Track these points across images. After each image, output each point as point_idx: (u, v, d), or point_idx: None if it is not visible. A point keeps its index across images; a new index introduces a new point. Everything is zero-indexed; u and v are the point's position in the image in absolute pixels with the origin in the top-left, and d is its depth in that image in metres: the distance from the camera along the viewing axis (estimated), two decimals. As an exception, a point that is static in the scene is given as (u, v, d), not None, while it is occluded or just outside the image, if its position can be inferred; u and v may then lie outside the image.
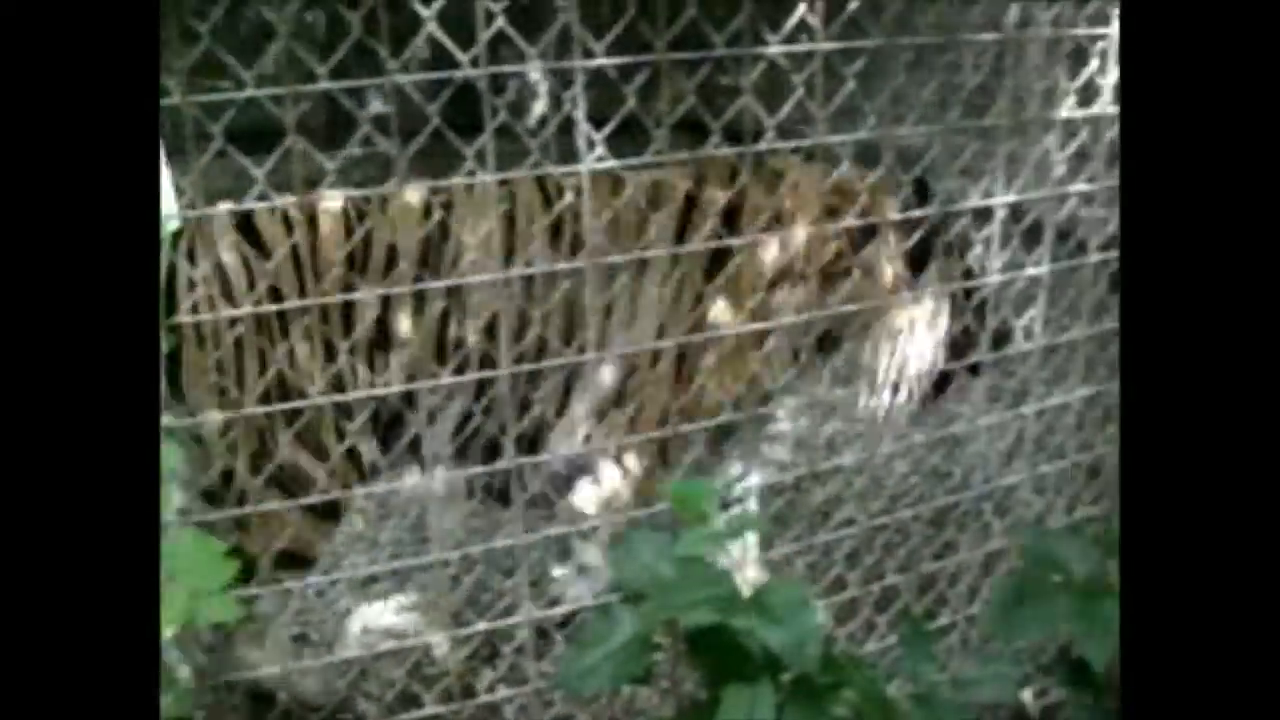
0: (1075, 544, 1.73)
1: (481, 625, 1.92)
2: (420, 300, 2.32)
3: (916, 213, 2.21)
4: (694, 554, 1.67)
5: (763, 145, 1.80)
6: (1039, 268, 2.08)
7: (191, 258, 2.21)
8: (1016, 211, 2.14)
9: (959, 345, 2.43)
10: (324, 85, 1.55)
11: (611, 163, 1.69)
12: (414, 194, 2.34)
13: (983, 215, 2.06)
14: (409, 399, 2.36)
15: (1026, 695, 2.41)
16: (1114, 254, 2.18)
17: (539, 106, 7.43)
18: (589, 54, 1.62)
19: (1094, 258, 2.16)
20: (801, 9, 1.76)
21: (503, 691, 2.19)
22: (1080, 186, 2.13)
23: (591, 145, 1.66)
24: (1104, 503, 2.38)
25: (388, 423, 2.40)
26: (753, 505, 2.58)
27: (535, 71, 6.99)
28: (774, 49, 1.76)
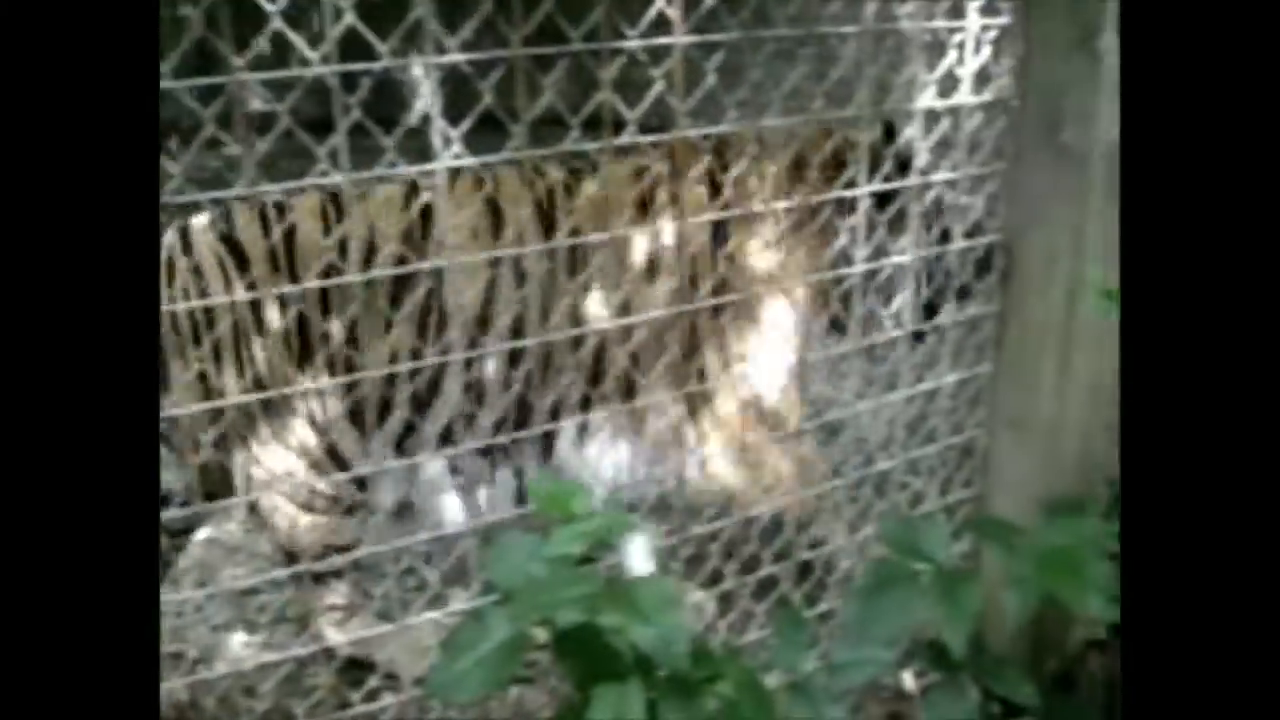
0: (937, 529, 1.76)
1: (354, 635, 1.88)
2: (283, 304, 2.27)
3: (783, 203, 2.23)
4: (564, 553, 1.66)
5: (625, 139, 1.78)
6: (905, 255, 2.11)
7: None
8: (883, 200, 2.17)
9: (829, 333, 2.46)
10: (166, 84, 1.49)
11: (469, 160, 1.67)
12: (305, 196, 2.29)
13: (848, 204, 2.08)
14: (267, 405, 2.32)
15: (907, 676, 2.45)
16: (979, 240, 2.22)
17: (418, 104, 7.34)
18: (441, 50, 1.60)
19: (959, 244, 2.20)
20: (660, 3, 1.75)
21: (380, 701, 2.16)
22: (943, 175, 2.17)
23: (448, 143, 1.63)
24: (976, 484, 2.42)
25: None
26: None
27: (404, 69, 6.89)
28: (633, 43, 1.75)
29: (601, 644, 1.59)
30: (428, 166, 1.64)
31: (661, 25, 1.77)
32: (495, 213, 2.41)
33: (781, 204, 2.17)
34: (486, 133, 1.75)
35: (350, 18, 1.55)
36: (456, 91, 1.67)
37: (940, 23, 2.12)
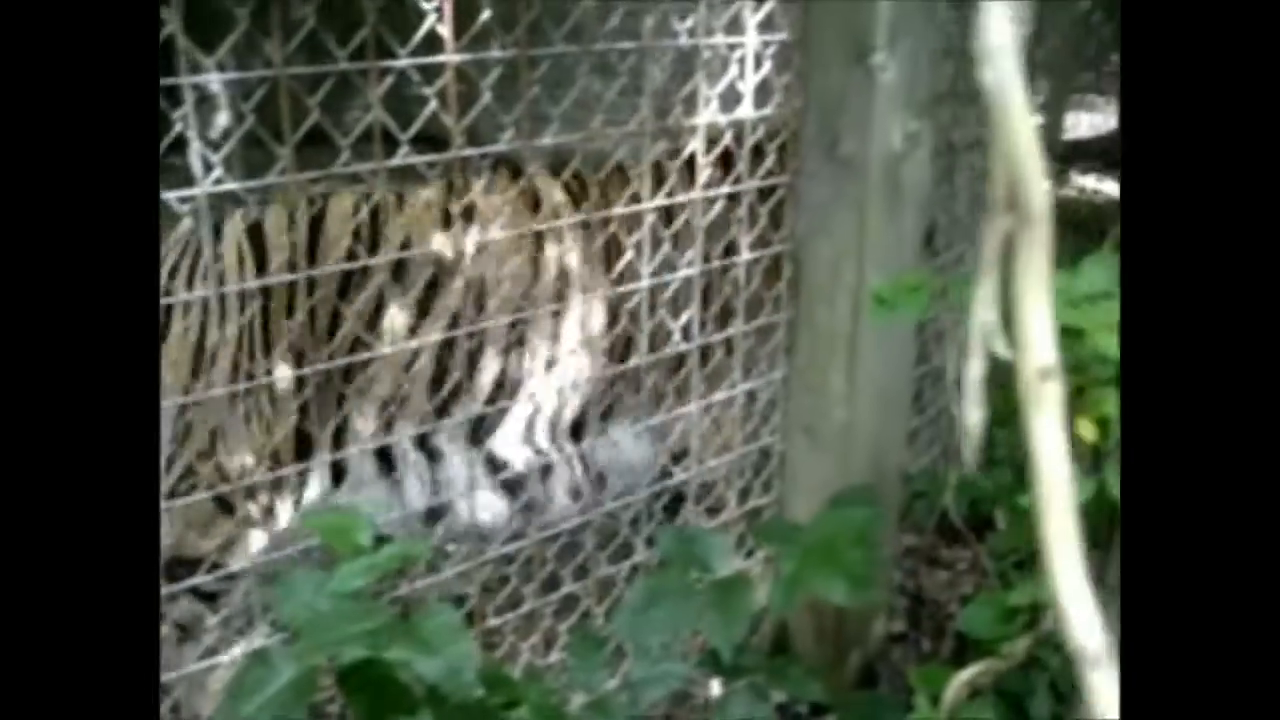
0: (715, 539, 1.79)
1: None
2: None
3: (563, 220, 2.22)
4: (350, 588, 1.61)
5: (397, 159, 1.75)
6: (691, 269, 2.13)
7: None
8: (668, 215, 2.19)
9: (618, 350, 2.46)
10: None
11: (231, 185, 1.60)
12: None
13: (633, 220, 2.09)
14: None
15: (715, 685, 2.48)
16: (765, 252, 2.26)
17: (220, 119, 7.09)
18: (195, 69, 1.53)
19: (745, 256, 2.24)
20: (431, 20, 1.72)
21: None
22: (727, 189, 2.20)
23: (209, 167, 1.57)
24: (775, 490, 2.47)
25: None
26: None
27: (216, 84, 6.65)
28: (403, 62, 1.72)
29: (389, 678, 1.55)
30: (187, 192, 1.57)
31: (435, 43, 1.74)
32: (316, 233, 2.35)
33: (565, 220, 2.16)
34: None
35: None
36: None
37: (720, 39, 2.16)
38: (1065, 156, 8.08)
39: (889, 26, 2.08)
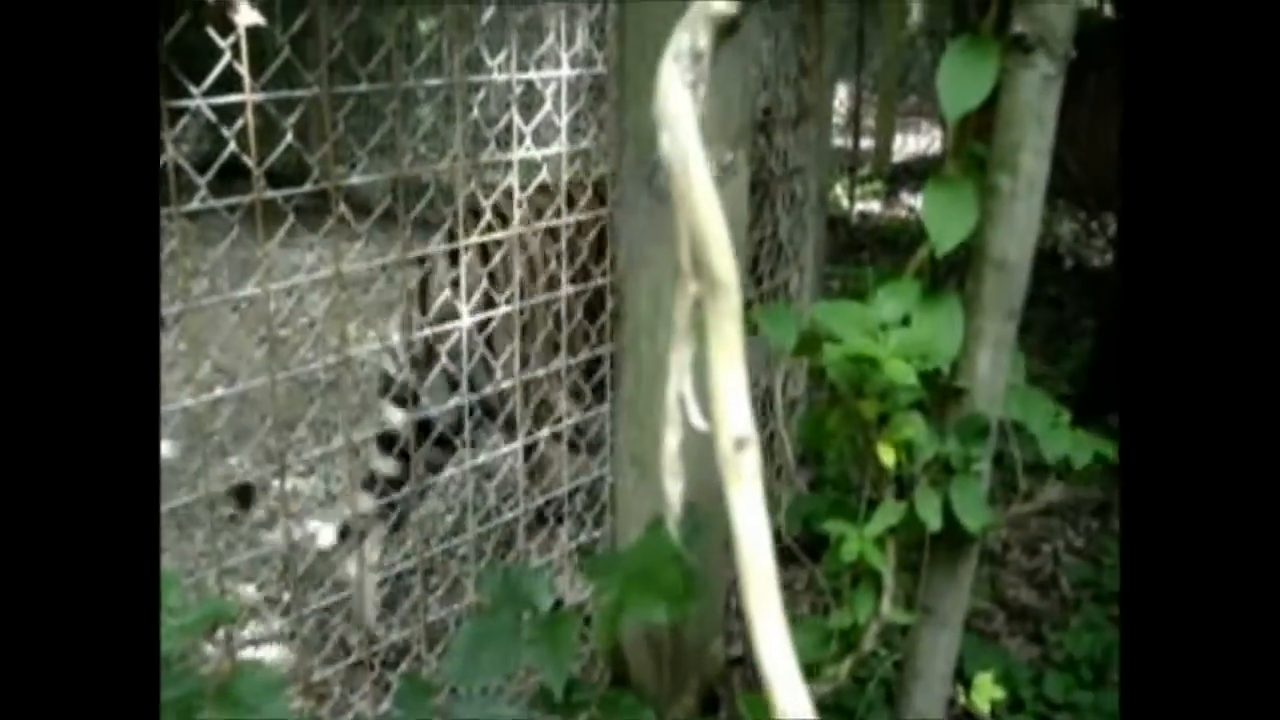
0: (537, 576, 1.77)
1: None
2: None
3: (377, 261, 2.18)
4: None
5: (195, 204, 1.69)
6: (509, 305, 2.11)
7: None
8: (485, 250, 2.17)
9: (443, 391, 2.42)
10: None
11: None
12: None
13: (452, 257, 2.06)
14: None
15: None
16: (587, 285, 2.26)
17: None
18: None
19: (565, 290, 2.23)
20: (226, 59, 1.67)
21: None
22: (545, 223, 2.19)
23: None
24: (606, 523, 2.46)
25: None
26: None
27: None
28: (196, 100, 1.66)
29: (203, 747, 1.48)
30: None
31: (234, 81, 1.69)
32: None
33: (377, 261, 2.13)
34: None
35: None
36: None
37: (534, 74, 2.15)
38: (893, 177, 8.36)
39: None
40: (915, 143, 9.47)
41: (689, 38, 0.91)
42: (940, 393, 1.72)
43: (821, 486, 3.50)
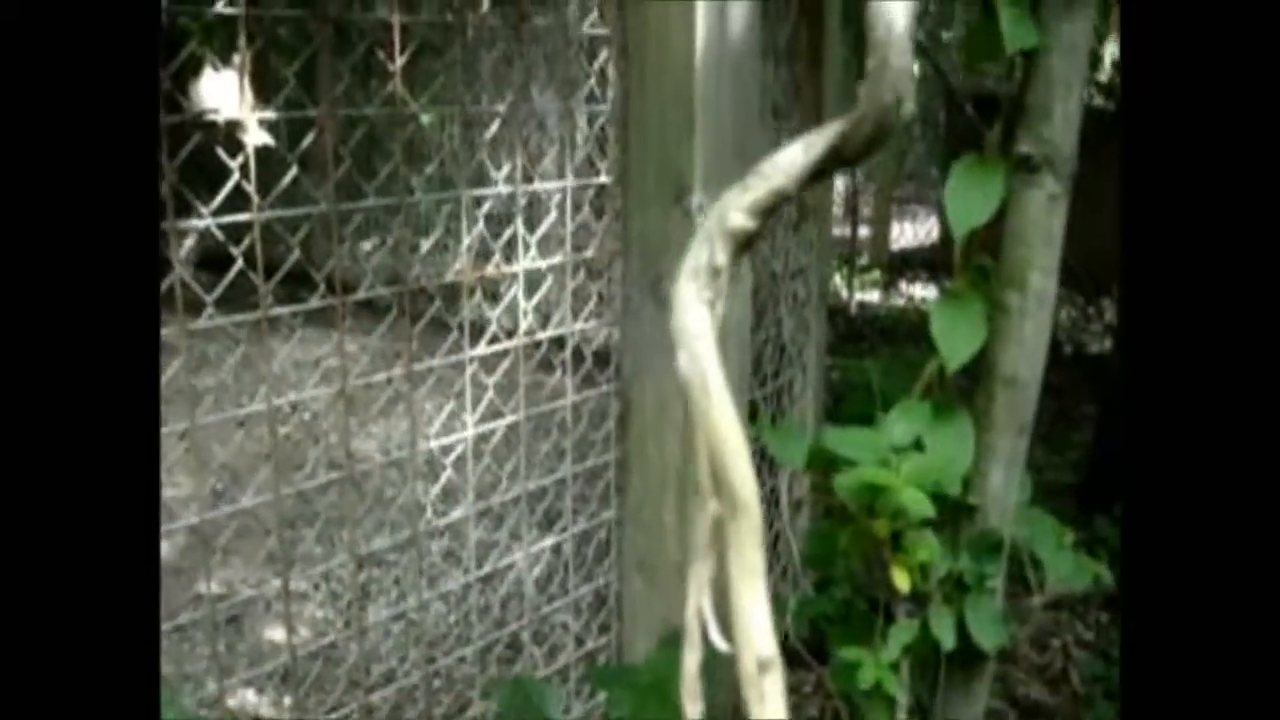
0: (549, 689, 1.75)
1: None
2: None
3: (381, 375, 2.18)
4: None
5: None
6: (515, 415, 2.11)
7: None
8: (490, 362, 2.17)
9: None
10: None
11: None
12: None
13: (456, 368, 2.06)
14: None
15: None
16: (591, 393, 2.26)
17: None
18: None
19: (570, 398, 2.23)
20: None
21: None
22: (550, 332, 2.20)
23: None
24: (613, 629, 2.43)
25: None
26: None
27: None
28: (206, 220, 1.67)
29: None
30: None
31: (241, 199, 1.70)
32: None
33: (381, 376, 2.12)
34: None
35: None
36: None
37: (538, 185, 2.17)
38: (892, 266, 8.40)
39: (704, 167, 2.13)
40: (912, 231, 9.53)
41: (706, 253, 0.90)
42: (951, 509, 1.70)
43: (828, 587, 3.46)
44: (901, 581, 1.56)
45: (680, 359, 0.81)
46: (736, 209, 0.94)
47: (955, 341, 1.60)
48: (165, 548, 3.62)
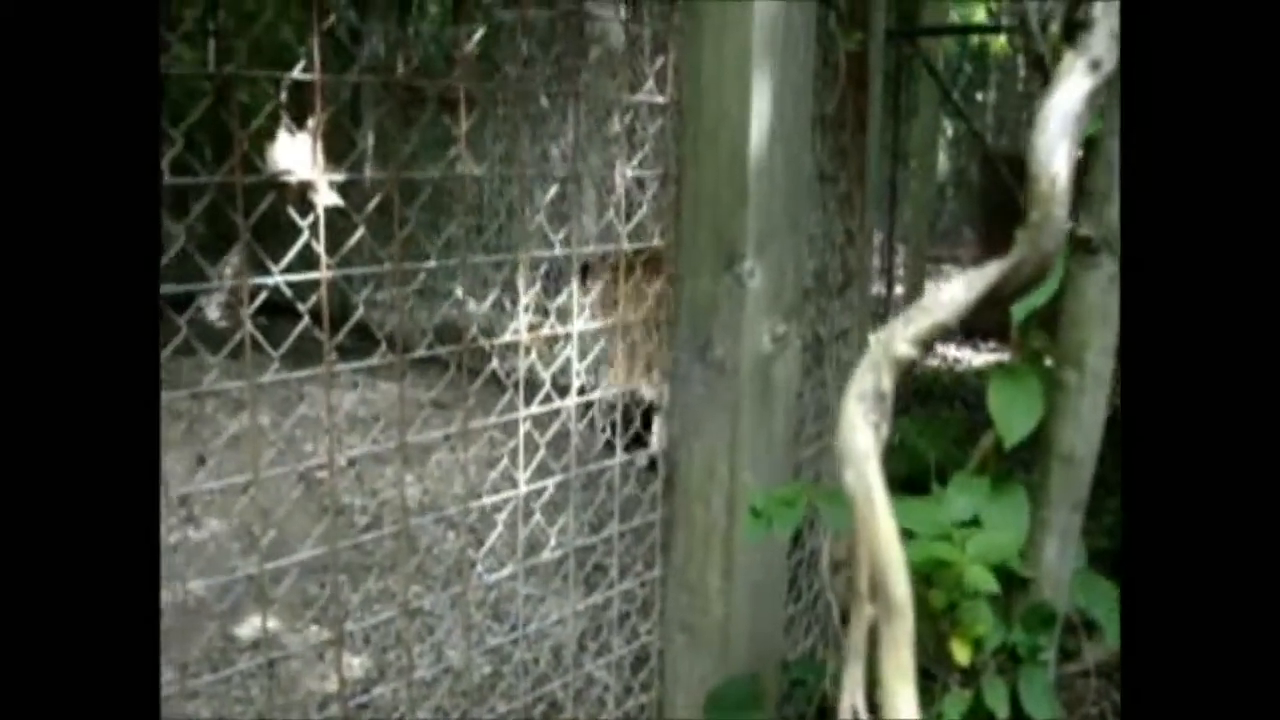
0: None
1: None
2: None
3: (438, 433, 2.22)
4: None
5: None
6: (566, 473, 2.13)
7: None
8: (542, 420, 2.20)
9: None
10: None
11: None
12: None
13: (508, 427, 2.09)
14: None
15: None
16: (640, 452, 2.28)
17: None
18: None
19: (619, 459, 2.25)
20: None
21: None
22: (599, 393, 2.23)
23: None
24: (654, 689, 2.43)
25: None
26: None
27: None
28: (276, 278, 1.72)
29: None
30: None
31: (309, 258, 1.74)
32: None
33: (438, 433, 2.16)
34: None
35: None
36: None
37: (592, 248, 2.21)
38: (925, 325, 8.38)
39: (756, 234, 2.16)
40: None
41: (873, 379, 0.99)
42: (1005, 580, 1.72)
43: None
44: (961, 654, 1.57)
45: (846, 475, 0.90)
46: (902, 339, 1.04)
47: (1013, 418, 1.63)
48: (202, 589, 3.65)
